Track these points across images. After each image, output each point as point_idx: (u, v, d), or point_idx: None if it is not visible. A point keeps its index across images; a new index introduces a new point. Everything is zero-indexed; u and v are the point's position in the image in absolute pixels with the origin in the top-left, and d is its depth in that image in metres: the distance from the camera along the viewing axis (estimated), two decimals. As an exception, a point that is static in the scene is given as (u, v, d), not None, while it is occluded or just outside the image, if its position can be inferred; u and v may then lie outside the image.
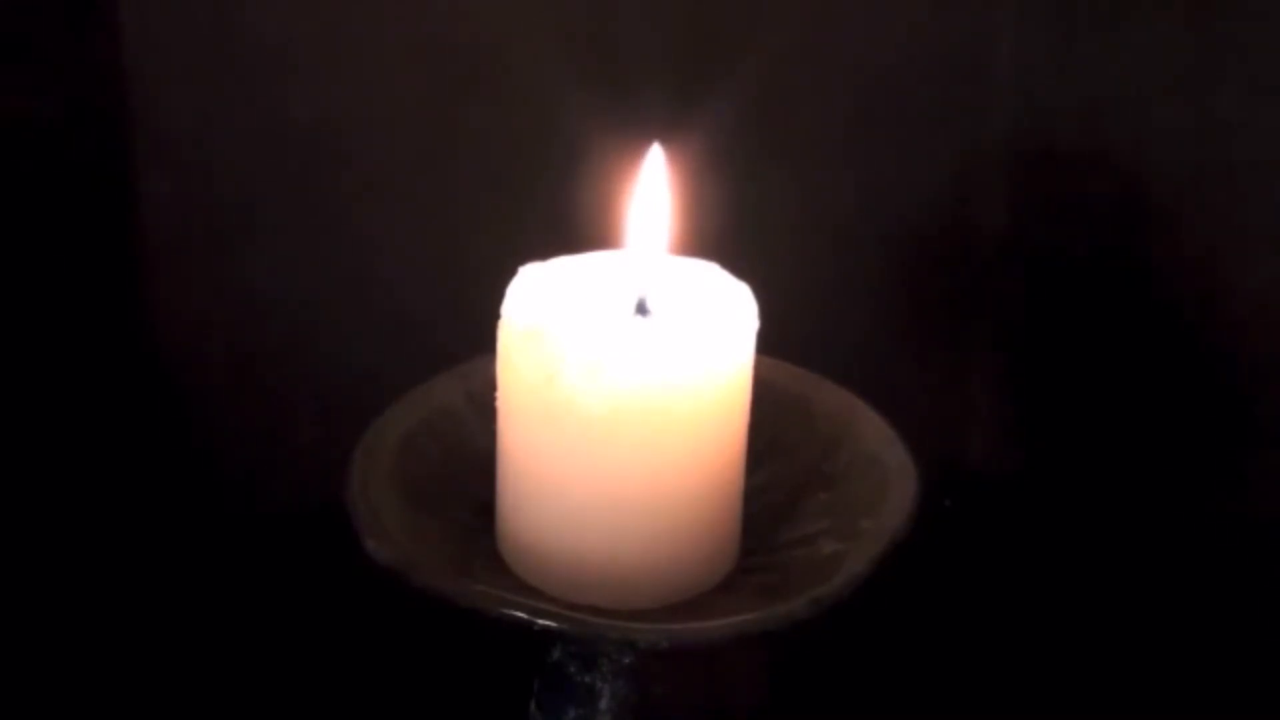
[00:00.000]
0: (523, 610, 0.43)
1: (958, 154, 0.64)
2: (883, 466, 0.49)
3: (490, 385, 0.47)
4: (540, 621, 0.43)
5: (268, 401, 0.66)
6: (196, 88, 0.61)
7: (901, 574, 0.46)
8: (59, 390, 0.63)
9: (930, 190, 0.65)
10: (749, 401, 0.47)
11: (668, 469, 0.45)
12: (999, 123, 0.63)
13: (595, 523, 0.45)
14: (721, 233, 0.52)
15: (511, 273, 0.46)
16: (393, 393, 0.50)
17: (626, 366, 0.43)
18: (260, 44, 0.61)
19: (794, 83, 0.63)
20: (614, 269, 0.47)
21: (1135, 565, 0.64)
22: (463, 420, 0.51)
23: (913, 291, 0.67)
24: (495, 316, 0.46)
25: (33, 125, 0.60)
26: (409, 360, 0.52)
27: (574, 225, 0.56)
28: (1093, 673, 0.64)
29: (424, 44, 0.62)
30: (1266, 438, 0.60)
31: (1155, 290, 0.62)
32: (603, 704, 0.48)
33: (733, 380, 0.45)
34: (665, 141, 0.47)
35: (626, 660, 0.48)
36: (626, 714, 0.48)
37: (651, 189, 0.47)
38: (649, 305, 0.46)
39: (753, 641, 0.46)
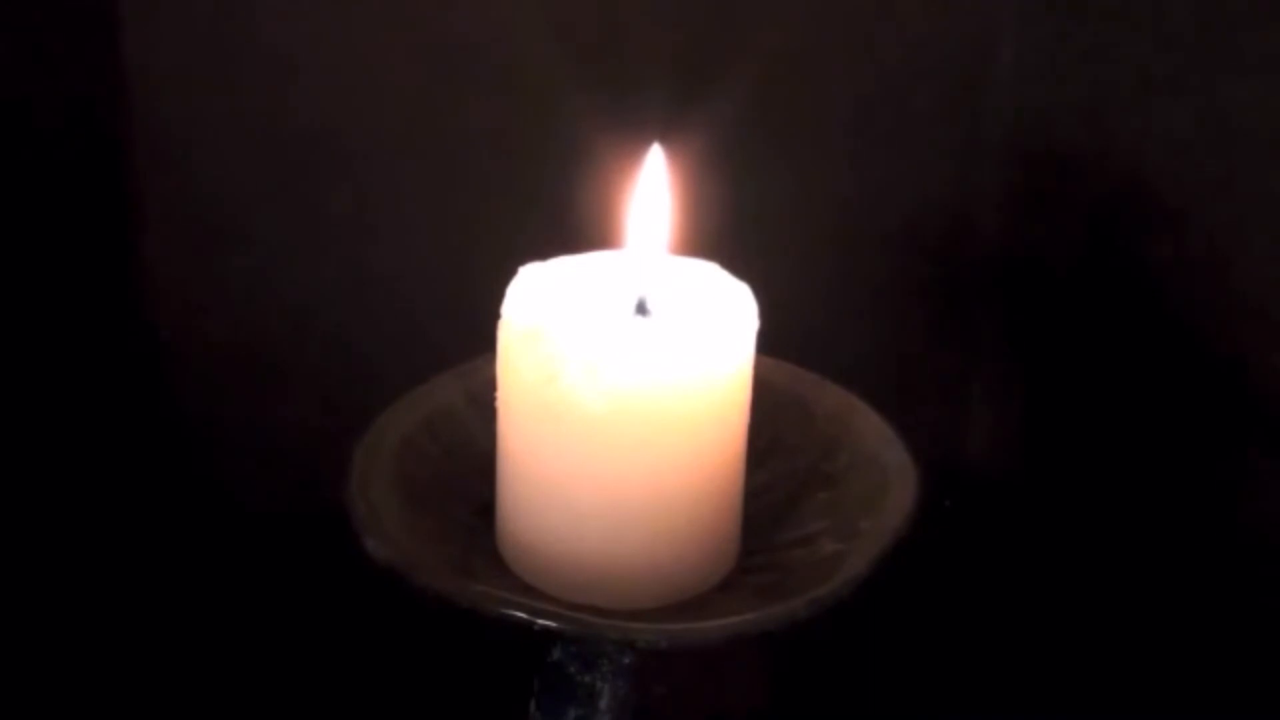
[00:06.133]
0: (523, 610, 0.43)
1: (958, 154, 0.64)
2: (883, 466, 0.49)
3: (490, 385, 0.47)
4: (540, 621, 0.43)
5: (268, 400, 0.66)
6: (196, 88, 0.61)
7: (901, 574, 0.46)
8: (59, 389, 0.63)
9: (930, 190, 0.65)
10: (749, 401, 0.47)
11: (668, 469, 0.45)
12: (999, 123, 0.63)
13: (595, 523, 0.45)
14: (721, 233, 0.52)
15: (511, 273, 0.46)
16: (393, 393, 0.50)
17: (626, 366, 0.43)
18: (260, 44, 0.61)
19: (794, 83, 0.63)
20: (614, 269, 0.47)
21: (1135, 565, 0.64)
22: (463, 420, 0.51)
23: (913, 291, 0.67)
24: (495, 316, 0.46)
25: (33, 125, 0.60)
26: (409, 360, 0.52)
27: (574, 225, 0.56)
28: (1092, 673, 0.64)
29: (424, 44, 0.62)
30: (1267, 438, 0.60)
31: (1155, 290, 0.62)
32: (603, 704, 0.48)
33: (733, 380, 0.45)
34: (665, 141, 0.47)
35: (626, 660, 0.48)
36: (626, 714, 0.48)
37: (651, 189, 0.47)
38: (649, 305, 0.46)
39: (752, 641, 0.46)
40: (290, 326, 0.65)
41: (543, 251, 0.47)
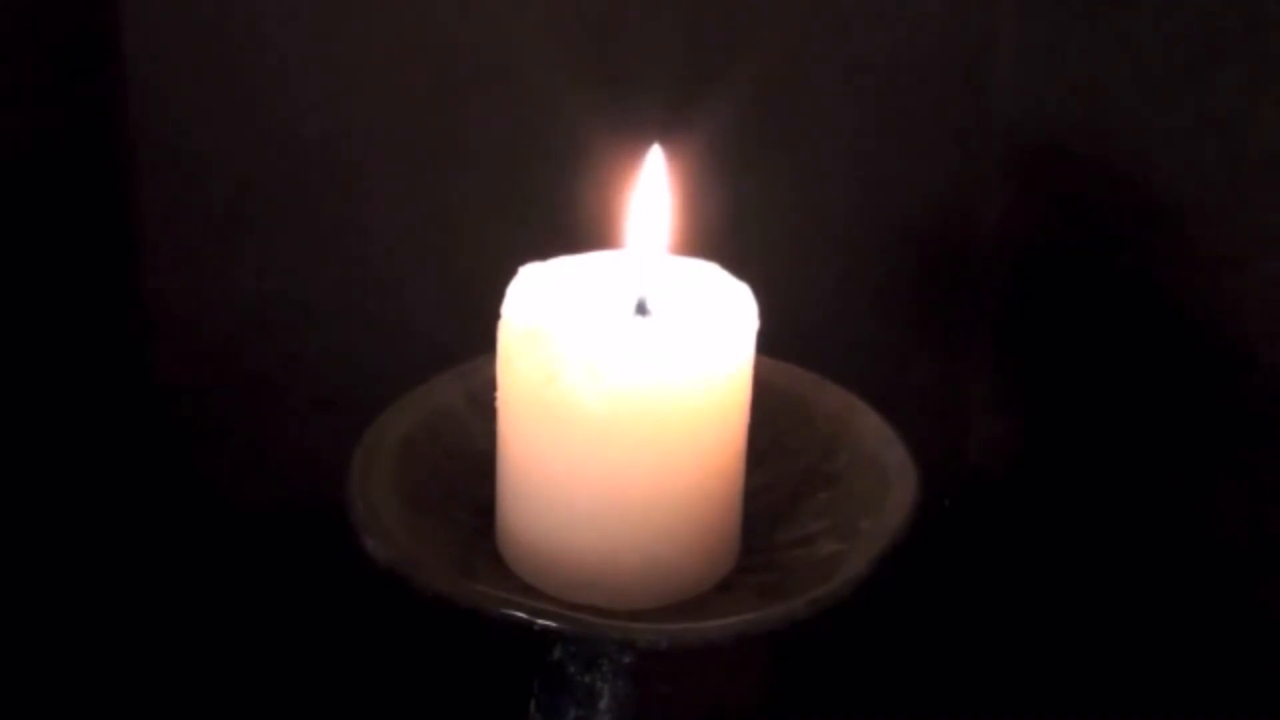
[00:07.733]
0: (523, 610, 0.43)
1: (958, 154, 0.64)
2: (883, 466, 0.49)
3: (490, 385, 0.47)
4: (540, 621, 0.43)
5: (268, 401, 0.66)
6: (196, 88, 0.61)
7: (901, 574, 0.46)
8: (58, 390, 0.63)
9: (930, 190, 0.65)
10: (749, 401, 0.47)
11: (668, 469, 0.45)
12: (999, 123, 0.63)
13: (595, 523, 0.45)
14: (721, 233, 0.52)
15: (511, 273, 0.46)
16: (393, 393, 0.50)
17: (626, 366, 0.43)
18: (260, 44, 0.61)
19: (794, 82, 0.63)
20: (614, 269, 0.47)
21: (1134, 565, 0.64)
22: (463, 421, 0.51)
23: (912, 291, 0.67)
24: (495, 316, 0.46)
25: (33, 127, 0.60)
26: (409, 360, 0.52)
27: (574, 225, 0.56)
28: (1091, 673, 0.64)
29: (424, 44, 0.62)
30: (1267, 437, 0.60)
31: (1155, 289, 0.62)
32: (603, 704, 0.48)
33: (733, 380, 0.45)
34: (665, 141, 0.47)
35: (626, 660, 0.48)
36: (626, 714, 0.48)
37: (651, 189, 0.47)
38: (649, 305, 0.46)
39: (752, 641, 0.46)
40: (290, 326, 0.65)
41: (543, 251, 0.47)
